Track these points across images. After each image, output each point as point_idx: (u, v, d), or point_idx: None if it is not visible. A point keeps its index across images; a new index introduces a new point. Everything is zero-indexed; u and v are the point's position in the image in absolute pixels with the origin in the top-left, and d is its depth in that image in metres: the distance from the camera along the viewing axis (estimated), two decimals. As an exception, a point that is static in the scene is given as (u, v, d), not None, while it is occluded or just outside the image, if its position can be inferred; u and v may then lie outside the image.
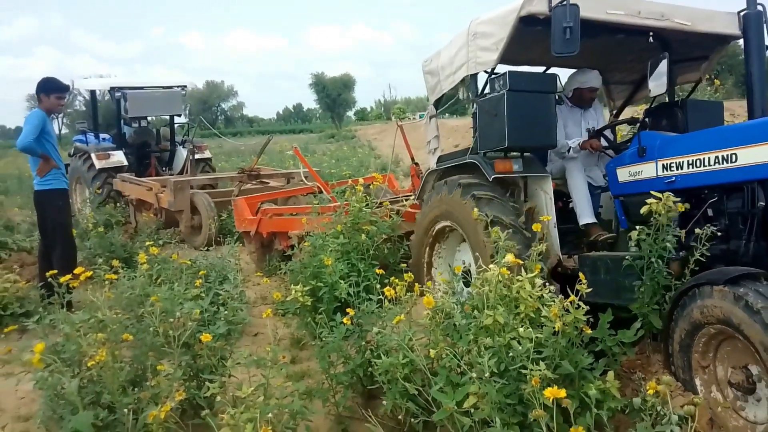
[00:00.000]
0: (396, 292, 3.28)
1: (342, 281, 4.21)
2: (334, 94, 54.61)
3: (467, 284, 4.34)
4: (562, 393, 2.07)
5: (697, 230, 3.31)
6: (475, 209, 4.09)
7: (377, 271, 4.31)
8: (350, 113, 63.76)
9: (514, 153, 4.41)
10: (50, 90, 5.68)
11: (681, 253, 3.43)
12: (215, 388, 2.74)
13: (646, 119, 4.45)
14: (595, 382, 2.47)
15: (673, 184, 3.72)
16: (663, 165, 3.80)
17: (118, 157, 10.48)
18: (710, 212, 3.56)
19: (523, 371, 2.40)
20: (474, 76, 4.64)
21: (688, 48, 4.66)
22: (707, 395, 2.89)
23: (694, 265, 3.23)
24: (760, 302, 2.59)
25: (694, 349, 2.97)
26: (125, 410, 2.69)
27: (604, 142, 4.79)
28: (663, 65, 3.80)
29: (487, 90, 4.53)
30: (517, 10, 3.93)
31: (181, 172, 11.08)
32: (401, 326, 3.02)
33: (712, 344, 2.95)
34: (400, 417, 3.01)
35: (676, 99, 4.86)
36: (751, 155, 3.26)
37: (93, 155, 10.33)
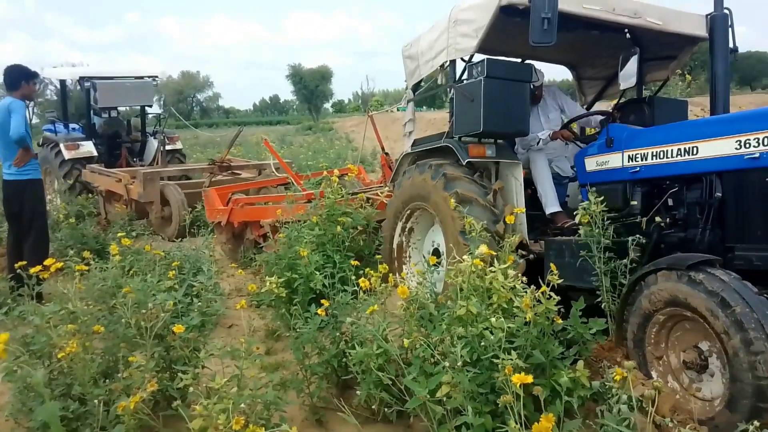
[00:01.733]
0: (371, 283, 3.29)
1: (317, 272, 4.22)
2: (312, 85, 54.26)
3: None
4: (529, 379, 2.10)
5: (657, 218, 3.52)
6: (452, 200, 4.16)
7: (352, 262, 4.32)
8: (328, 105, 63.53)
9: (488, 139, 4.51)
10: (30, 77, 5.73)
11: (642, 239, 3.57)
12: (188, 379, 2.72)
13: (615, 112, 4.56)
14: (565, 371, 2.51)
15: (637, 174, 3.89)
16: (629, 156, 3.96)
17: (88, 148, 10.35)
18: (670, 202, 3.73)
19: (495, 361, 2.43)
20: (453, 62, 4.75)
21: (658, 47, 4.79)
22: (664, 386, 2.99)
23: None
24: (716, 285, 2.78)
25: (646, 341, 3.13)
26: (96, 401, 2.67)
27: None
28: (633, 61, 3.94)
29: (465, 76, 4.62)
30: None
31: (152, 163, 10.97)
32: (376, 317, 3.03)
33: (663, 333, 3.10)
34: (374, 407, 3.03)
35: (643, 96, 4.99)
36: (710, 148, 3.44)
37: (62, 146, 10.17)
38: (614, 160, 4.07)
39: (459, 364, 2.46)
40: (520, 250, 4.12)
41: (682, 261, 2.98)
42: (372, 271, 3.45)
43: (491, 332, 2.58)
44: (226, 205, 7.04)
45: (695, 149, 3.53)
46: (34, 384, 2.58)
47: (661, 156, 3.74)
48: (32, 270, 3.26)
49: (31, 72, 5.74)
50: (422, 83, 5.51)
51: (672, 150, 3.67)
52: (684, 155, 3.60)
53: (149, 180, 8.56)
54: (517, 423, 2.12)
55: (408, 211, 5.00)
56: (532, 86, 4.81)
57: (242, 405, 2.46)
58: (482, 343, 2.59)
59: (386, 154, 7.10)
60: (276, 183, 8.14)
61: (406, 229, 5.12)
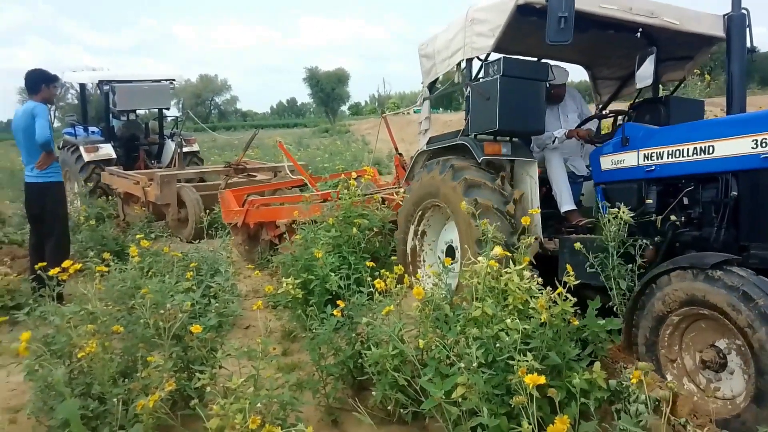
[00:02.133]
0: (386, 285, 3.30)
1: (333, 274, 4.23)
2: (328, 88, 54.54)
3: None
4: (542, 379, 2.09)
5: (672, 217, 3.54)
6: (464, 203, 4.19)
7: (368, 263, 4.33)
8: (344, 108, 63.75)
9: (503, 137, 4.55)
10: (50, 80, 5.82)
11: (656, 238, 3.65)
12: (205, 379, 2.75)
13: (631, 112, 4.56)
14: (581, 373, 2.50)
15: (652, 173, 3.90)
16: (644, 155, 3.96)
17: (107, 150, 10.55)
18: (685, 201, 3.73)
19: (511, 362, 2.42)
20: (469, 61, 4.77)
21: (674, 47, 4.78)
22: (680, 388, 2.97)
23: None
24: (736, 281, 2.78)
25: (660, 345, 3.11)
26: (115, 400, 2.70)
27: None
28: (650, 61, 3.93)
29: (481, 75, 4.64)
30: None
31: (169, 165, 11.10)
32: (391, 318, 3.04)
33: (676, 336, 3.09)
34: (389, 408, 3.03)
35: (660, 95, 4.98)
36: (727, 147, 3.43)
37: (81, 148, 10.36)
38: (629, 158, 4.08)
39: (474, 365, 2.45)
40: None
41: (702, 260, 2.95)
42: (387, 273, 3.45)
43: (507, 333, 2.57)
44: (242, 206, 7.11)
45: (711, 148, 3.53)
46: (55, 382, 2.62)
47: (677, 155, 3.74)
48: (52, 271, 3.31)
49: (51, 75, 5.82)
50: (438, 83, 5.54)
51: (688, 149, 3.67)
52: (700, 154, 3.60)
53: (166, 182, 8.68)
54: (531, 424, 2.11)
55: (420, 213, 5.04)
56: (548, 85, 4.81)
57: (258, 405, 2.48)
58: (497, 345, 2.58)
59: (400, 154, 7.14)
60: (291, 185, 8.21)
61: (419, 233, 5.15)
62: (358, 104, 70.88)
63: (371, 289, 3.41)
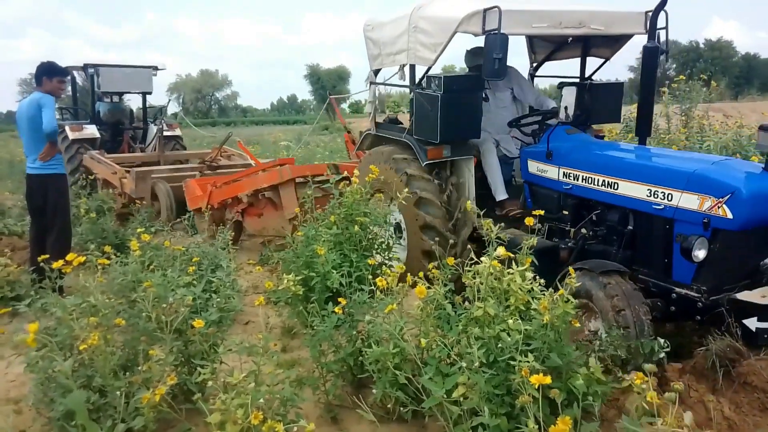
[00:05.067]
0: (387, 283, 3.30)
1: (334, 271, 4.23)
2: (329, 85, 54.48)
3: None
4: (548, 380, 2.11)
5: (583, 230, 4.14)
6: (406, 189, 4.70)
7: (369, 261, 4.33)
8: (345, 105, 63.58)
9: None
10: (53, 73, 5.71)
11: (570, 243, 4.22)
12: (206, 373, 2.75)
13: (558, 113, 4.96)
14: (581, 372, 2.51)
15: (569, 190, 4.49)
16: (564, 173, 4.53)
17: (91, 130, 10.79)
18: (594, 218, 4.33)
19: (512, 362, 2.43)
20: (413, 66, 5.15)
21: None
22: None
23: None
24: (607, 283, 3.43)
25: None
26: (117, 393, 2.71)
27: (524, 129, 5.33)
28: (571, 96, 4.60)
29: (424, 83, 5.00)
30: (456, 26, 4.37)
31: (152, 149, 11.53)
32: (392, 316, 3.05)
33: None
34: (389, 406, 3.04)
35: (585, 80, 5.48)
36: (628, 188, 4.02)
37: (67, 128, 10.54)
38: (552, 171, 4.62)
39: (475, 365, 2.47)
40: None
41: (599, 266, 3.55)
42: (389, 271, 3.46)
43: (508, 334, 2.58)
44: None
45: (616, 185, 4.09)
46: (62, 373, 2.62)
47: (590, 181, 4.30)
48: (55, 264, 3.30)
49: (56, 69, 5.74)
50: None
51: (598, 179, 4.22)
52: (607, 187, 4.16)
53: (140, 178, 8.86)
54: (536, 424, 2.12)
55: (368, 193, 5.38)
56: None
57: (259, 400, 2.49)
58: (499, 345, 2.60)
59: (348, 131, 7.50)
60: (250, 173, 8.46)
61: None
62: (359, 102, 70.75)
63: (372, 287, 3.41)
